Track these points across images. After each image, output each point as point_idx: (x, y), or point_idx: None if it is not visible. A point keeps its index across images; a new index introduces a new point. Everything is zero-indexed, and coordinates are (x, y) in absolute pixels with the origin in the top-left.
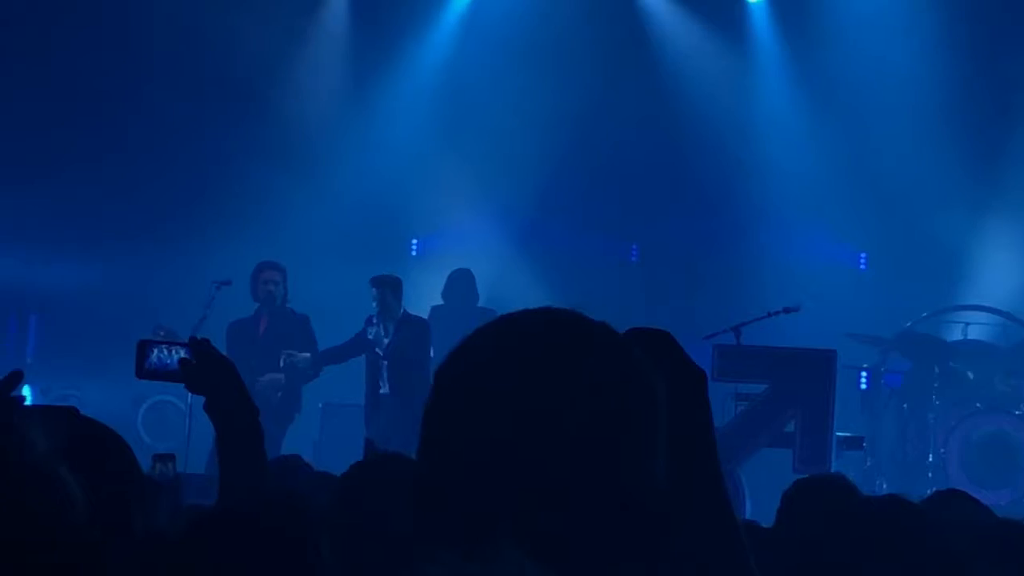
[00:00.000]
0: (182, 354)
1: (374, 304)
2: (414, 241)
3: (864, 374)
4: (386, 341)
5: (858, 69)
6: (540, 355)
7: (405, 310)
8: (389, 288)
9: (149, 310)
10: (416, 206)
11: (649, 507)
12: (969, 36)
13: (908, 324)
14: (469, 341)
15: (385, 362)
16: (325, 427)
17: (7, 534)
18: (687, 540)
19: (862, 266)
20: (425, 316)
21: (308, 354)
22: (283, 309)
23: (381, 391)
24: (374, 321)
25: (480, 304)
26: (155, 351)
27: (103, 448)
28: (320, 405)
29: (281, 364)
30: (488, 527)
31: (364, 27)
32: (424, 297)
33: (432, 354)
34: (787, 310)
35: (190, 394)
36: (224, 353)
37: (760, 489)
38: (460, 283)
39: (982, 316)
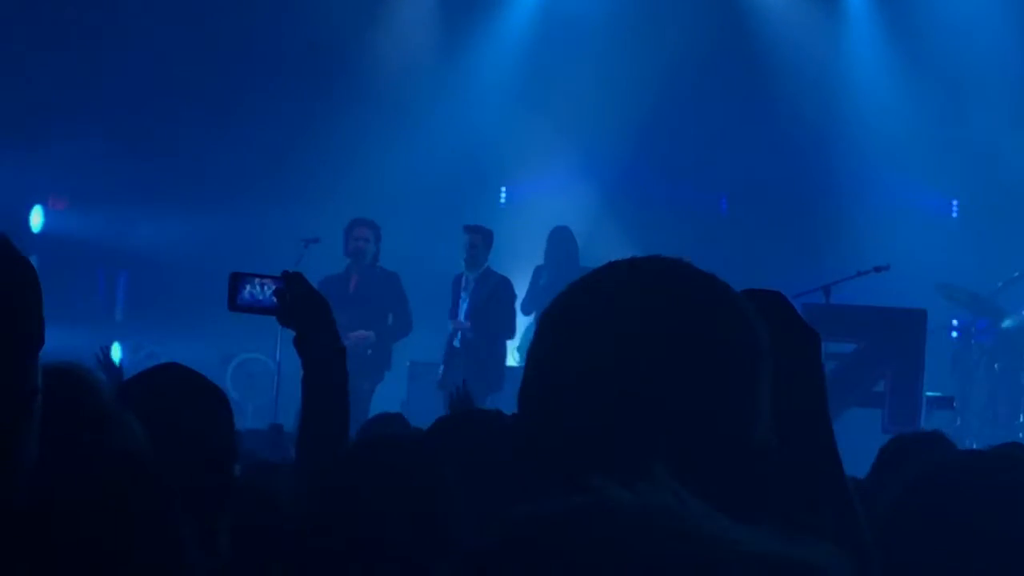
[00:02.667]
0: (275, 288)
1: (464, 251)
2: (503, 189)
3: (955, 333)
4: (466, 300)
5: (951, 15)
6: (656, 298)
7: (489, 266)
8: (481, 238)
9: (238, 267)
10: (505, 154)
11: (758, 453)
12: None
13: (1000, 284)
14: (590, 282)
15: (466, 319)
16: (412, 386)
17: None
18: (800, 498)
19: (953, 214)
20: (512, 266)
21: (372, 333)
22: (373, 267)
23: (454, 343)
24: (462, 277)
25: (581, 262)
26: (248, 284)
27: (206, 402)
28: (408, 363)
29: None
30: (630, 460)
31: None
32: (512, 246)
33: (534, 316)
34: (877, 269)
35: (278, 351)
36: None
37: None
38: (561, 241)
39: None
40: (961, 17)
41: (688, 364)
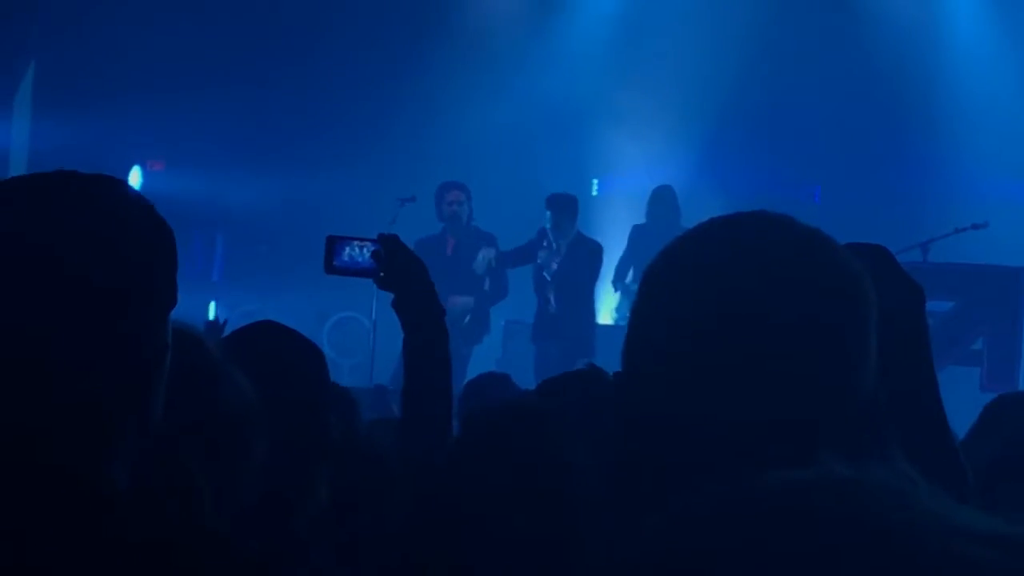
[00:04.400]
0: (373, 250)
1: (548, 227)
2: (595, 181)
3: None
4: (555, 265)
5: None
6: (762, 254)
7: (579, 232)
8: (564, 210)
9: (333, 227)
10: (597, 146)
11: (872, 404)
12: None
13: None
14: (695, 237)
15: (553, 284)
16: (508, 345)
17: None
18: (908, 451)
19: None
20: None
21: (471, 298)
22: (469, 228)
23: (551, 311)
24: (545, 244)
25: (682, 222)
26: (346, 247)
27: (303, 359)
28: (503, 323)
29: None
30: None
31: None
32: (605, 237)
33: (632, 275)
34: (975, 226)
35: (374, 310)
36: None
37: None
38: (663, 200)
39: None
40: None
41: (800, 318)
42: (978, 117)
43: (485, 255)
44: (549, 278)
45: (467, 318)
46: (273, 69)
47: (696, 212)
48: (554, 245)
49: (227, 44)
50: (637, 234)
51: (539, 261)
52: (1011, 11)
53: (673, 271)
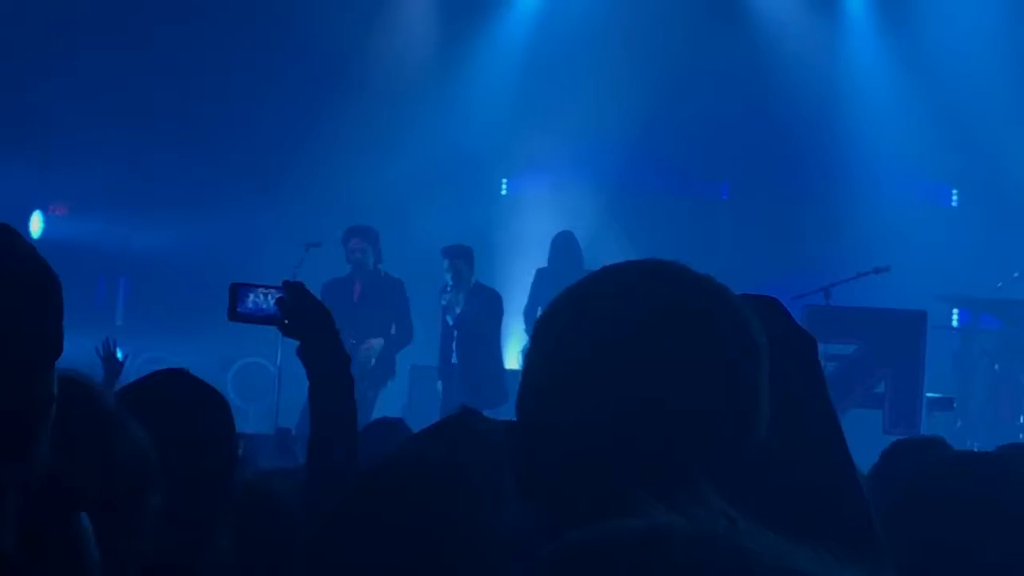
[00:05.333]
0: (277, 297)
1: (447, 275)
2: (504, 181)
3: (955, 323)
4: (458, 311)
5: (949, 12)
6: (653, 302)
7: (477, 280)
8: (462, 259)
9: (238, 272)
10: (507, 146)
11: (764, 452)
12: None
13: (999, 284)
14: (587, 287)
15: (455, 332)
16: (414, 390)
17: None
18: (814, 502)
19: (953, 202)
20: (513, 260)
21: (380, 340)
22: (377, 273)
23: (452, 360)
24: (447, 289)
25: (585, 266)
26: (250, 294)
27: (206, 408)
28: (409, 367)
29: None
30: (671, 476)
31: None
32: (513, 239)
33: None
34: (877, 270)
35: (279, 355)
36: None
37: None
38: (564, 246)
39: None
40: (959, 10)
41: (690, 367)
42: (881, 162)
43: (371, 348)
44: (452, 324)
45: (373, 361)
46: (178, 114)
47: (604, 215)
48: (454, 295)
49: (132, 89)
50: (540, 278)
51: (442, 304)
52: (907, 43)
53: (566, 325)
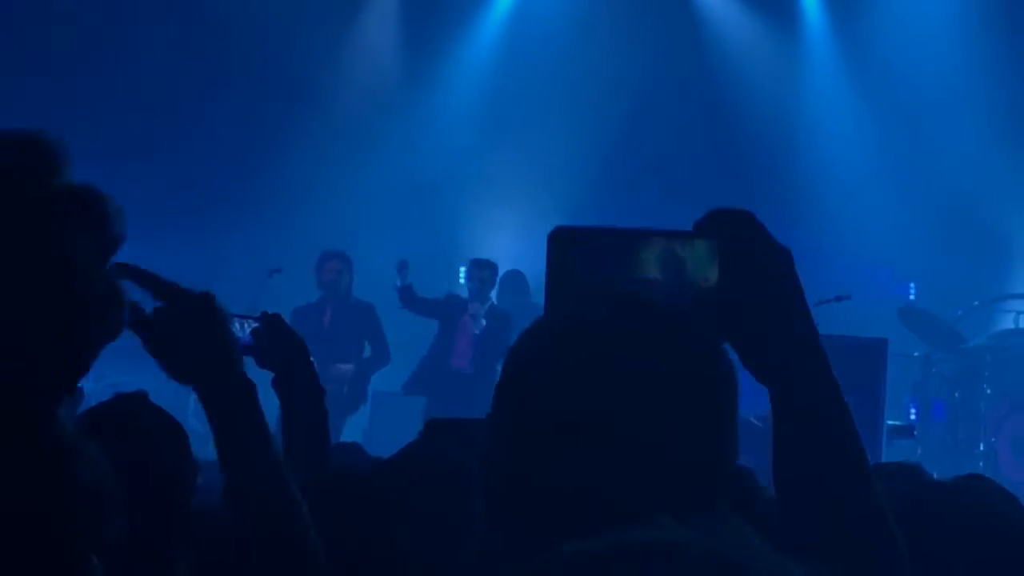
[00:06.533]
0: (253, 327)
1: (473, 283)
2: (468, 207)
3: (916, 362)
4: (483, 323)
5: (909, 58)
6: (616, 334)
7: (492, 302)
8: (490, 273)
9: None
10: (471, 173)
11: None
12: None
13: (959, 312)
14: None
15: (476, 343)
16: (375, 416)
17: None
18: (793, 398)
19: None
20: None
21: (352, 366)
22: (348, 298)
23: (456, 365)
24: (468, 306)
25: (532, 300)
26: None
27: (163, 436)
28: (372, 393)
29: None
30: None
31: (415, 17)
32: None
33: None
34: (838, 298)
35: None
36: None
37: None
38: (513, 284)
39: None
40: (922, 54)
41: (657, 397)
42: (842, 194)
43: (342, 374)
44: (479, 334)
45: (345, 388)
46: (138, 136)
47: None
48: (477, 304)
49: (91, 109)
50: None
51: (471, 312)
52: (867, 79)
53: (530, 360)
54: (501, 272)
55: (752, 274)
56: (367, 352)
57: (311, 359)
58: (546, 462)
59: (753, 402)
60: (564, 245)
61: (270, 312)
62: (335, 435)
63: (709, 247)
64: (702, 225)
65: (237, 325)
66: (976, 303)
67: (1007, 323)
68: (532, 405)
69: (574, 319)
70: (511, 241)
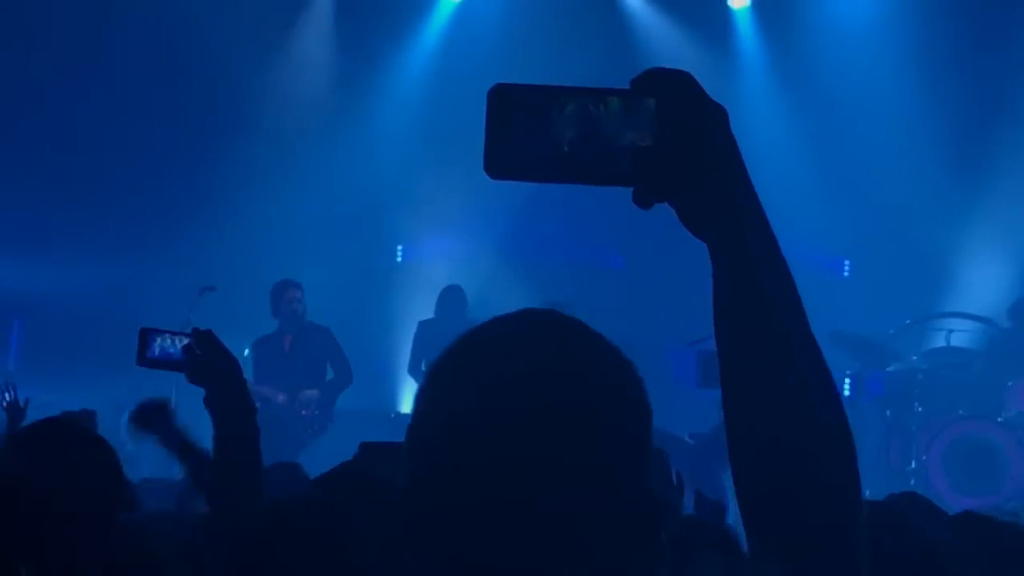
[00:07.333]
0: (185, 344)
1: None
2: (399, 247)
3: (848, 380)
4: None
5: (841, 76)
6: (535, 356)
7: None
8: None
9: (133, 317)
10: (401, 213)
11: (654, 505)
12: (952, 46)
13: (891, 331)
14: (469, 341)
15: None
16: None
17: None
18: (733, 249)
19: (845, 273)
20: (406, 325)
21: (315, 391)
22: (305, 324)
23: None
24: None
25: (469, 316)
26: (158, 340)
27: (90, 456)
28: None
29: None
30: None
31: (349, 32)
32: (410, 303)
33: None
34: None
35: (173, 399)
36: (251, 369)
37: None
38: (450, 298)
39: (964, 323)
40: (854, 73)
41: (578, 418)
42: (774, 206)
43: (308, 399)
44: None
45: (316, 412)
46: (70, 155)
47: (498, 286)
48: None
49: (20, 130)
50: (422, 330)
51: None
52: (801, 107)
53: (455, 370)
54: (440, 288)
55: (692, 131)
56: (330, 375)
57: (242, 373)
58: (464, 480)
59: (688, 421)
60: (503, 103)
61: (202, 329)
62: (299, 456)
63: (647, 105)
64: (640, 83)
65: (169, 340)
66: (908, 322)
67: (939, 341)
68: (447, 422)
69: (491, 337)
70: (443, 260)
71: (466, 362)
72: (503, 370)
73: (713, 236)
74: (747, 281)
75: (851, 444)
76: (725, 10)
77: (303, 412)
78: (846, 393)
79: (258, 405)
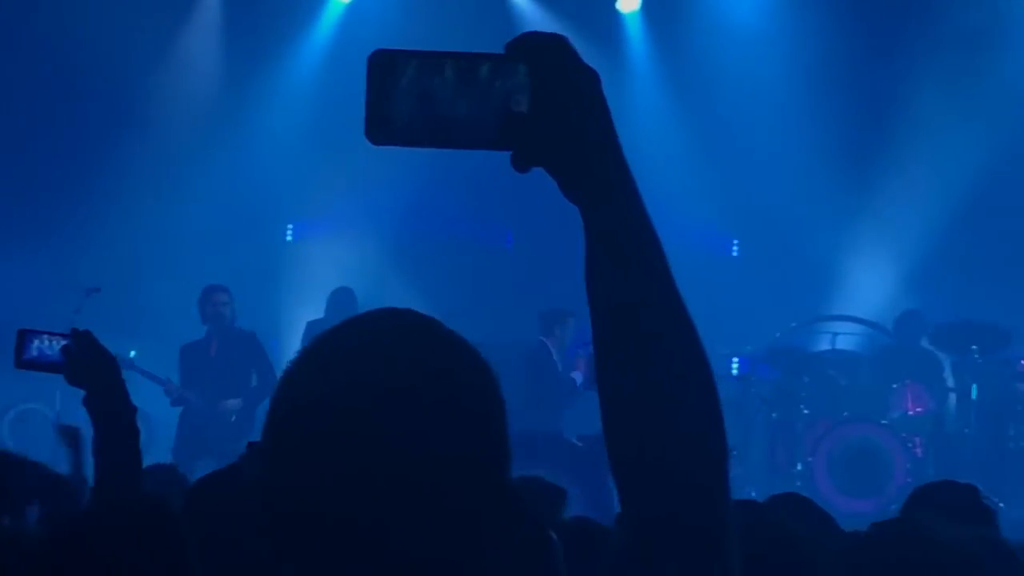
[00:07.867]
0: (63, 344)
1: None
2: (289, 226)
3: (735, 371)
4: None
5: (731, 77)
6: (387, 354)
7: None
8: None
9: (16, 316)
10: (292, 191)
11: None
12: (840, 50)
13: (777, 334)
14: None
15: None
16: None
17: None
18: (607, 212)
19: (734, 253)
20: (296, 307)
21: (239, 400)
22: (231, 328)
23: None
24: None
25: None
26: (36, 341)
27: None
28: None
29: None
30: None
31: (239, 20)
32: (299, 283)
33: None
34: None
35: (57, 401)
36: (178, 372)
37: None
38: (340, 300)
39: (850, 326)
40: (743, 72)
41: (435, 417)
42: (661, 198)
43: (228, 408)
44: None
45: (233, 418)
46: None
47: (390, 263)
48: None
49: None
50: (311, 330)
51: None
52: (687, 95)
53: (309, 364)
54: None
55: (563, 96)
56: (254, 381)
57: (121, 373)
58: (312, 487)
59: (576, 424)
60: (383, 69)
61: (81, 329)
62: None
63: (521, 69)
64: (515, 48)
65: (47, 341)
66: (794, 324)
67: (824, 344)
68: (297, 427)
69: (343, 337)
70: (331, 264)
71: (317, 361)
72: (354, 368)
73: (584, 199)
74: (615, 243)
75: (715, 398)
76: (614, 14)
77: (232, 419)
78: (733, 373)
79: (180, 408)
